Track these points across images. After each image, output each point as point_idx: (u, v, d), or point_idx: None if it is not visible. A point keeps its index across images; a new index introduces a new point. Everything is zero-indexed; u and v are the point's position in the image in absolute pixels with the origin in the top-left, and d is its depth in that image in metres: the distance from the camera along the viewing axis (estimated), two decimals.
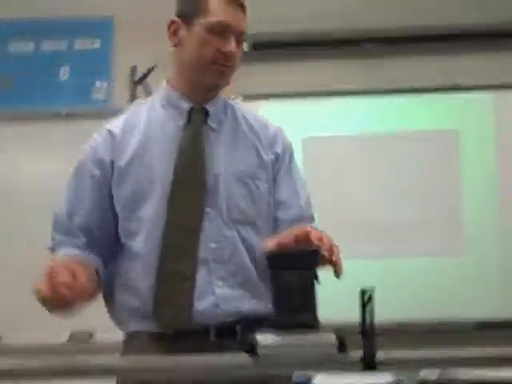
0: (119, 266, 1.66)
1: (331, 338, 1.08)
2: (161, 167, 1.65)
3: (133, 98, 3.57)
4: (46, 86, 3.63)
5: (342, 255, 1.48)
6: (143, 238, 1.62)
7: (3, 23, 3.65)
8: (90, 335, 3.32)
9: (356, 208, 3.39)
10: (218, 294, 1.59)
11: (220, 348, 1.48)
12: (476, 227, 3.36)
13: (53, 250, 1.70)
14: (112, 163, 1.67)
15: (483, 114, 3.46)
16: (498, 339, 3.09)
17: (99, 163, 1.67)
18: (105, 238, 1.67)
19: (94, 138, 1.72)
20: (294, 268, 1.13)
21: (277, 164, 1.75)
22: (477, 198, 3.39)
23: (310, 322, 1.11)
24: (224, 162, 1.68)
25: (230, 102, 1.82)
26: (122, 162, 1.66)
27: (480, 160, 3.42)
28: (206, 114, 1.73)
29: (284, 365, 1.09)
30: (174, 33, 1.71)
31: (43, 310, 1.48)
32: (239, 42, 1.69)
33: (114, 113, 3.40)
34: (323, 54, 3.56)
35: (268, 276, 1.18)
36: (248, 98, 3.42)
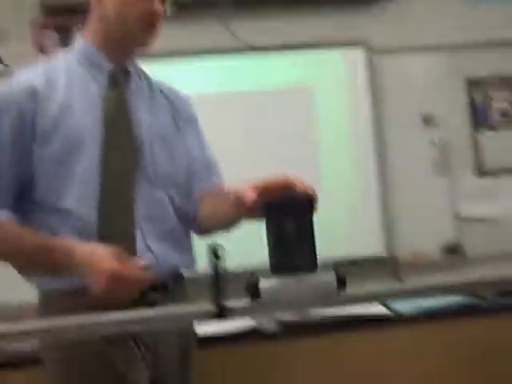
0: (45, 223, 1.60)
1: (331, 276, 1.14)
2: (88, 128, 1.61)
3: None
4: None
5: None
6: (75, 197, 1.58)
7: None
8: None
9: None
10: (154, 252, 1.63)
11: (154, 302, 1.56)
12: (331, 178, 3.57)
13: None
14: (34, 119, 1.59)
15: (335, 70, 3.62)
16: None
17: (20, 117, 1.59)
18: (24, 196, 1.62)
19: (12, 87, 1.62)
20: (294, 215, 1.15)
21: (185, 127, 1.81)
22: (332, 150, 3.59)
23: (311, 266, 1.14)
24: (146, 124, 1.69)
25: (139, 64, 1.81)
26: (46, 119, 1.59)
27: (334, 114, 3.60)
28: (128, 74, 1.72)
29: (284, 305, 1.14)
30: None
31: None
32: (163, 2, 1.68)
33: None
34: (182, 17, 3.54)
35: (265, 224, 1.19)
36: None
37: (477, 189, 3.66)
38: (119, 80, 1.69)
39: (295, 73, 3.60)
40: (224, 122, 3.48)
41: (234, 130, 3.52)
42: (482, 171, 3.67)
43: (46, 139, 1.58)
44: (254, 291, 1.11)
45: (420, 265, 3.48)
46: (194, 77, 3.50)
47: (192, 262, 1.76)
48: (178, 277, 1.73)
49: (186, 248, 1.75)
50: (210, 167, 1.85)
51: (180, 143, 1.77)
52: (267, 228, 1.17)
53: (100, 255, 1.47)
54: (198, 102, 3.26)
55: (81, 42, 1.72)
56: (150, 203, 1.65)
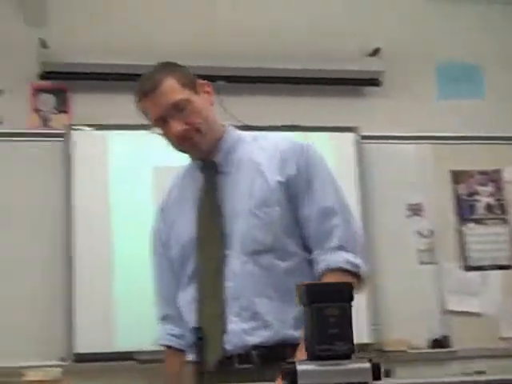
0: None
1: (366, 366, 1.13)
2: (189, 229, 1.82)
3: None
4: None
5: None
6: (191, 289, 1.80)
7: None
8: None
9: None
10: (231, 329, 1.71)
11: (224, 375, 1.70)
12: None
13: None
14: (165, 237, 1.90)
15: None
16: None
17: (161, 242, 1.92)
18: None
19: (155, 217, 1.97)
20: (334, 301, 1.17)
21: (293, 184, 1.76)
22: None
23: (348, 352, 1.15)
24: (235, 202, 1.77)
25: (241, 134, 1.89)
26: (165, 233, 1.90)
27: None
28: (215, 165, 1.84)
29: None
30: None
31: None
32: (180, 111, 1.76)
33: None
34: None
35: (304, 308, 1.21)
36: (99, 128, 3.43)
37: (462, 282, 3.62)
38: (208, 173, 1.84)
39: None
40: None
41: None
42: (467, 265, 3.65)
43: (168, 249, 1.88)
44: (292, 377, 1.12)
45: (406, 354, 3.41)
46: None
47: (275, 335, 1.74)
48: (267, 350, 1.72)
49: (270, 322, 1.74)
50: (315, 226, 1.77)
51: (275, 208, 1.75)
52: (308, 312, 1.18)
53: None
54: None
55: None
56: (232, 280, 1.73)
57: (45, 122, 3.50)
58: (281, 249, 1.74)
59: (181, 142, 1.79)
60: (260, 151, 1.82)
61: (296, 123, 3.63)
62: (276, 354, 1.67)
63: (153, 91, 1.76)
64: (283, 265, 1.73)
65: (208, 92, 1.86)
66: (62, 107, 3.51)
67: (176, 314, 1.89)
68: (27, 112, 3.49)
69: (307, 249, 1.77)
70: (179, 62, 1.89)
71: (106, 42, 3.50)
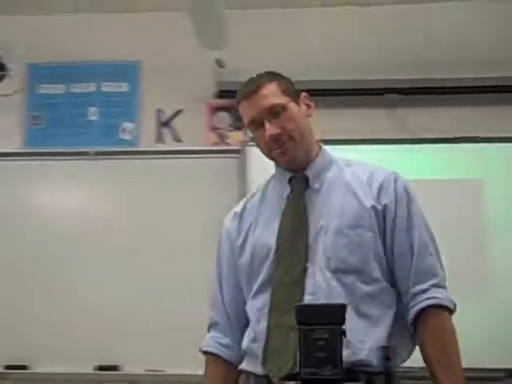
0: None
1: None
2: (268, 237, 1.79)
3: (159, 139, 3.67)
4: (75, 125, 3.75)
5: None
6: (262, 298, 1.77)
7: (37, 67, 3.81)
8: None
9: None
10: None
11: None
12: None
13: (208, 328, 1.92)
14: (237, 242, 1.87)
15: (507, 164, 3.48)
16: None
17: (231, 246, 1.88)
18: (242, 305, 1.86)
19: (226, 222, 1.94)
20: (324, 323, 1.18)
21: (386, 216, 1.78)
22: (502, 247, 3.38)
23: (336, 376, 1.15)
24: (324, 219, 1.77)
25: (334, 156, 1.90)
26: (240, 239, 1.86)
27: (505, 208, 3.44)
28: (307, 179, 1.84)
29: None
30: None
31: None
32: (276, 116, 1.77)
33: (141, 153, 3.56)
34: (350, 103, 3.64)
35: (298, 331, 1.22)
36: None
37: None
38: (297, 186, 1.83)
39: (465, 164, 3.49)
40: None
41: None
42: None
43: (240, 255, 1.85)
44: None
45: None
46: None
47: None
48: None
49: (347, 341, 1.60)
50: (405, 271, 1.76)
51: (366, 231, 1.75)
52: (299, 335, 1.18)
53: None
54: None
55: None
56: (314, 294, 1.70)
57: (221, 138, 3.65)
58: (365, 272, 1.73)
59: (272, 146, 1.79)
60: (354, 175, 1.83)
61: (474, 134, 3.49)
62: (348, 375, 1.51)
63: (253, 94, 1.79)
64: (366, 288, 1.71)
65: (308, 105, 1.87)
66: (238, 124, 3.65)
67: (227, 324, 1.88)
68: (205, 130, 3.67)
69: (391, 280, 1.76)
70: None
71: (278, 60, 3.56)
